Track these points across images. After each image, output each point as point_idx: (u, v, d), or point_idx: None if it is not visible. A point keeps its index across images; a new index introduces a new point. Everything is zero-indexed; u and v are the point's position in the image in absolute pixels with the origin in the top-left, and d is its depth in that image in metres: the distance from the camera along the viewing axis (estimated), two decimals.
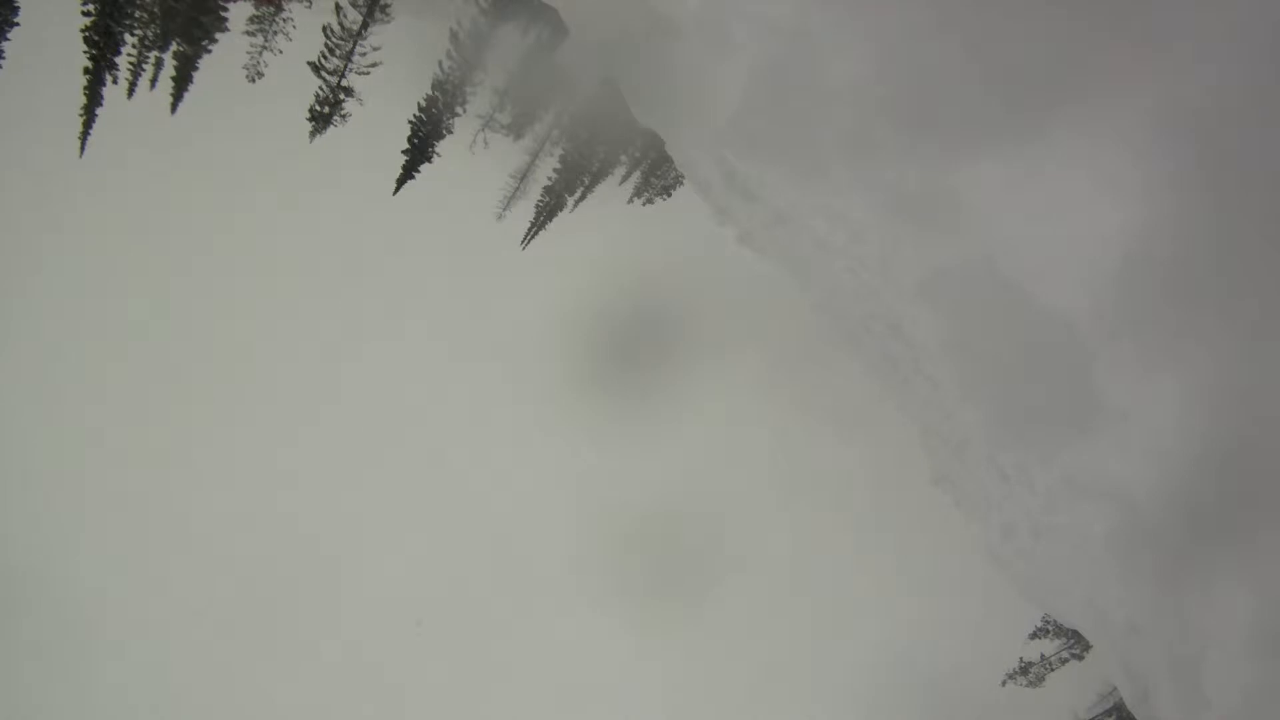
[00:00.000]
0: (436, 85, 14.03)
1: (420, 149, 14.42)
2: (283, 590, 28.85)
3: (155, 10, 12.76)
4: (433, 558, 30.14)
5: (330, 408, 28.84)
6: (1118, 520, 9.56)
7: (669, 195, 22.91)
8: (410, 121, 14.37)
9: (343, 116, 13.50)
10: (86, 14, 11.75)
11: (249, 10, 13.28)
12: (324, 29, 12.98)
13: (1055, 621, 20.38)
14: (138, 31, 12.89)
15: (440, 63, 13.85)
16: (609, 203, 21.69)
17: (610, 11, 10.85)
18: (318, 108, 13.34)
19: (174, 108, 14.15)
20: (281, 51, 13.60)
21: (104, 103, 12.51)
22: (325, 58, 13.10)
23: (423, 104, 14.19)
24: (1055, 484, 10.70)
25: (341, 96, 13.29)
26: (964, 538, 16.29)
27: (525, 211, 19.98)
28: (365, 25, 13.04)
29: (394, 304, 27.35)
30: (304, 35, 13.38)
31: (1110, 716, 21.40)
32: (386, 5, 13.06)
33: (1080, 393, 9.04)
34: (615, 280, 25.61)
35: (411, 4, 13.82)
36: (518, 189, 19.38)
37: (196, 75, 13.77)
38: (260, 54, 13.57)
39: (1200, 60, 7.04)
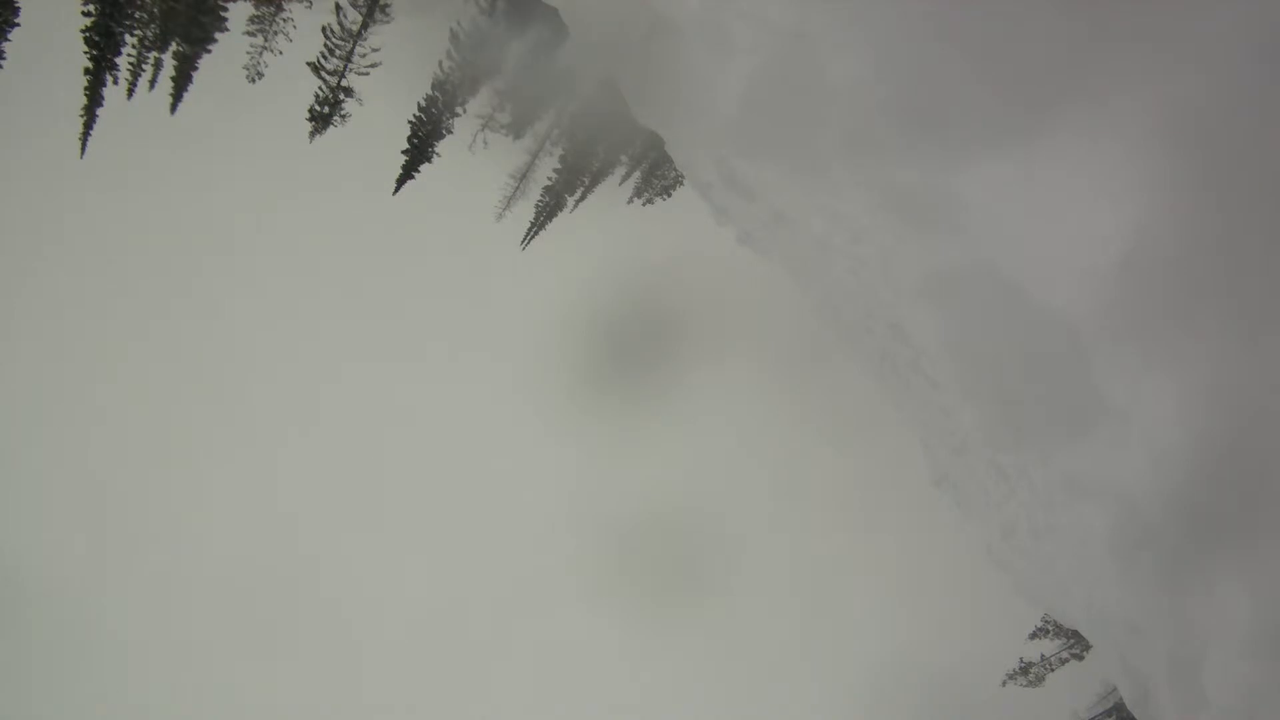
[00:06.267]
0: (436, 85, 14.02)
1: (420, 149, 14.42)
2: (283, 590, 28.83)
3: (155, 10, 12.74)
4: (431, 558, 30.11)
5: (330, 407, 28.84)
6: (1118, 520, 9.56)
7: (669, 195, 22.88)
8: (410, 121, 14.36)
9: (343, 116, 13.48)
10: (86, 14, 11.74)
11: (249, 10, 13.27)
12: (324, 29, 12.96)
13: (1055, 621, 20.37)
14: (138, 32, 12.87)
15: (440, 63, 13.85)
16: (609, 203, 21.68)
17: (610, 11, 10.83)
18: (318, 108, 13.32)
19: (174, 108, 14.13)
20: (281, 52, 13.58)
21: (104, 103, 12.49)
22: (325, 58, 13.08)
23: (423, 104, 14.19)
24: (1055, 484, 10.69)
25: (341, 96, 13.27)
26: (964, 538, 16.30)
27: (525, 211, 19.97)
28: (365, 25, 13.02)
29: (394, 304, 27.35)
30: (304, 35, 13.37)
31: (1110, 716, 21.40)
32: (386, 5, 13.05)
33: (1080, 393, 9.03)
34: (615, 280, 25.60)
35: (411, 4, 13.80)
36: (518, 189, 19.36)
37: (196, 75, 13.75)
38: (260, 54, 13.55)
39: (1200, 60, 7.03)
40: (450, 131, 14.66)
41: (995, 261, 8.95)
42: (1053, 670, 21.89)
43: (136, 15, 12.46)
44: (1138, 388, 8.49)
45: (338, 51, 13.06)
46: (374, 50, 13.25)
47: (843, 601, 28.64)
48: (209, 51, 13.33)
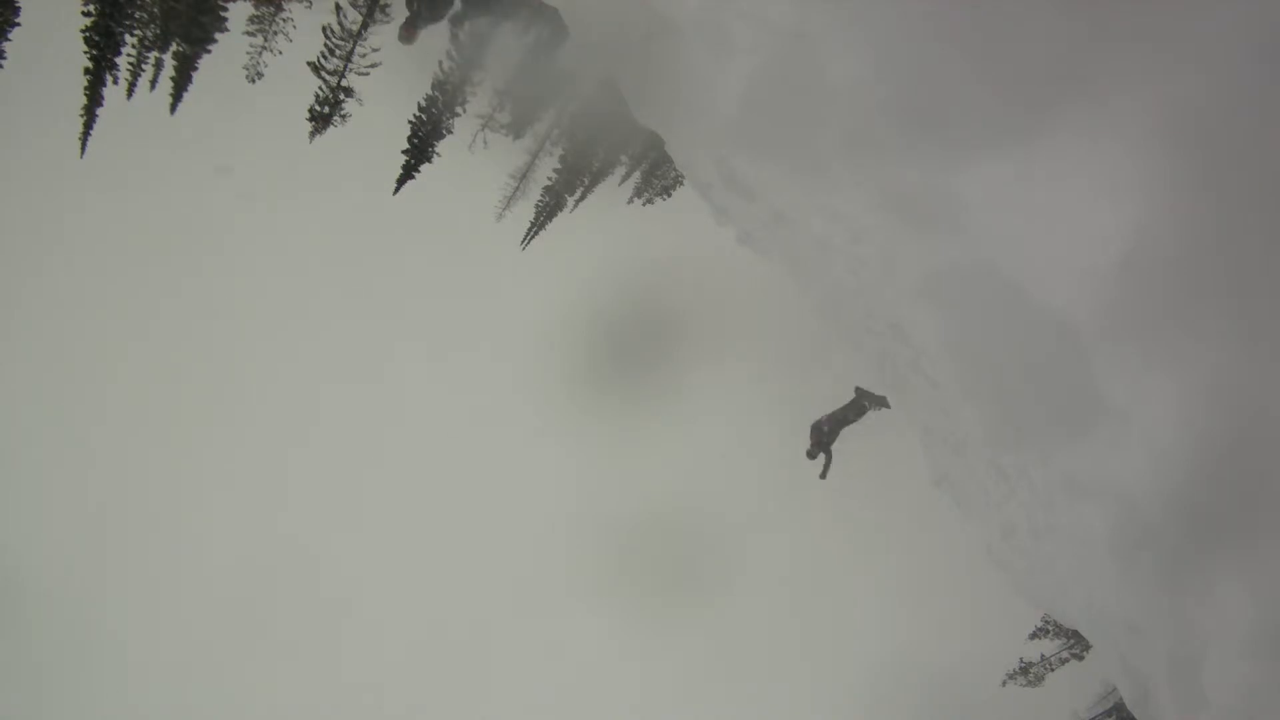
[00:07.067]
0: (436, 85, 14.03)
1: (420, 149, 14.42)
2: (283, 591, 28.84)
3: (155, 10, 12.74)
4: (431, 557, 30.11)
5: (329, 407, 28.84)
6: (1118, 520, 9.55)
7: (669, 195, 22.90)
8: (410, 121, 14.37)
9: (343, 116, 13.48)
10: (87, 14, 11.74)
11: (249, 10, 13.27)
12: (324, 29, 12.96)
13: (1055, 621, 20.38)
14: (138, 32, 12.87)
15: (440, 63, 13.85)
16: (609, 203, 21.70)
17: (610, 11, 10.83)
18: (318, 108, 13.32)
19: (174, 108, 14.13)
20: (281, 52, 13.58)
21: (104, 103, 12.49)
22: (325, 58, 13.09)
23: (423, 104, 14.19)
24: (1055, 484, 10.69)
25: (341, 96, 13.28)
26: (964, 538, 16.30)
27: (525, 211, 20.00)
28: (365, 25, 13.03)
29: (393, 304, 27.35)
30: (304, 35, 13.36)
31: (1110, 716, 21.43)
32: (386, 5, 13.06)
33: (1080, 392, 9.02)
34: (615, 280, 25.62)
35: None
36: (518, 189, 19.38)
37: (196, 75, 13.75)
38: (260, 54, 13.55)
39: (1200, 60, 7.04)
40: (450, 131, 14.66)
41: (995, 261, 8.94)
42: (1053, 670, 21.93)
43: (136, 15, 12.46)
44: (1138, 388, 8.48)
45: (338, 51, 13.06)
46: (374, 50, 13.25)
47: (843, 601, 28.62)
48: (209, 51, 13.32)
